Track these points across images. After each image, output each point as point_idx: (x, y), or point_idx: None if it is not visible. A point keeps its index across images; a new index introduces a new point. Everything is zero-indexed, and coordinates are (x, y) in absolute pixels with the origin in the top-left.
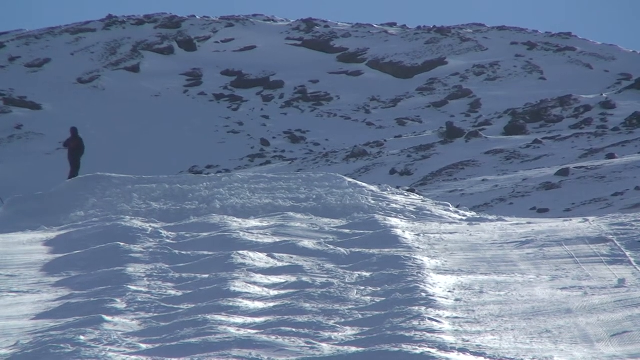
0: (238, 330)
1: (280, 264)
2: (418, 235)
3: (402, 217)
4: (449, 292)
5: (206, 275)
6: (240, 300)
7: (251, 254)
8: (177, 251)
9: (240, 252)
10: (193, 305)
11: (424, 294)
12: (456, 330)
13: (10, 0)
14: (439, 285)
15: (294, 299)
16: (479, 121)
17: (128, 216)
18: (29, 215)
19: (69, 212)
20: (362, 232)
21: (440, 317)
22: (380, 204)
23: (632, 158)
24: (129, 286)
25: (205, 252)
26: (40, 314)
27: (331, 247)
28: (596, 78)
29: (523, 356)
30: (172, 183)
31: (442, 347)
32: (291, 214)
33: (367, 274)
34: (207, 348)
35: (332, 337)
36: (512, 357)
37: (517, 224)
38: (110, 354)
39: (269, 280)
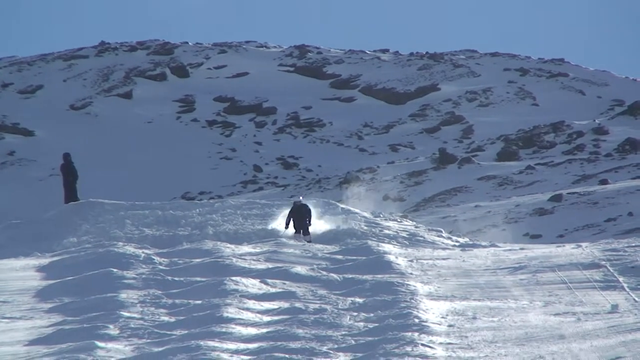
0: (231, 356)
1: (273, 290)
2: (411, 261)
3: (395, 243)
4: (442, 318)
5: (199, 302)
6: (233, 326)
7: (244, 280)
8: (169, 277)
9: (233, 278)
10: (186, 331)
11: (417, 320)
12: (449, 356)
13: (3, 27)
14: (432, 311)
15: (287, 325)
16: (471, 147)
17: (121, 242)
18: (22, 241)
19: (62, 238)
20: (355, 258)
21: (434, 342)
22: (373, 230)
23: (625, 184)
24: (121, 312)
25: (198, 278)
26: (33, 340)
27: (324, 273)
28: (589, 104)
29: None
30: (165, 209)
31: None
32: (284, 239)
33: (360, 300)
34: None
35: None
36: None
37: (510, 249)
38: None
39: (261, 306)
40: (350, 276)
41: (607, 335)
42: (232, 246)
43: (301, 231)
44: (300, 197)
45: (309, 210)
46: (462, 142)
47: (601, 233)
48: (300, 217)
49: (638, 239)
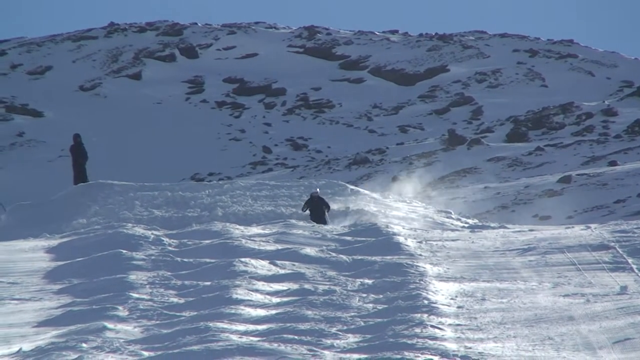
0: (240, 337)
1: (282, 272)
2: (420, 242)
3: (404, 224)
4: (451, 299)
5: (208, 283)
6: (243, 307)
7: (253, 262)
8: (179, 258)
9: (243, 259)
10: (195, 313)
11: (426, 301)
12: (458, 338)
13: (12, 7)
14: (441, 292)
15: (296, 307)
16: (480, 128)
17: (130, 223)
18: (31, 222)
19: (71, 219)
20: (364, 239)
21: (443, 324)
22: (383, 211)
23: (634, 165)
24: (131, 293)
25: (207, 260)
26: (42, 321)
27: (333, 254)
28: (598, 85)
29: None
30: (174, 190)
31: (445, 354)
32: (293, 221)
33: (369, 281)
34: (210, 355)
35: (335, 344)
36: None
37: (519, 231)
38: None
39: (271, 287)
40: (360, 257)
41: (616, 317)
42: (242, 227)
43: (316, 223)
44: (317, 190)
45: (327, 204)
46: (472, 124)
47: (610, 214)
48: (316, 209)
49: None
